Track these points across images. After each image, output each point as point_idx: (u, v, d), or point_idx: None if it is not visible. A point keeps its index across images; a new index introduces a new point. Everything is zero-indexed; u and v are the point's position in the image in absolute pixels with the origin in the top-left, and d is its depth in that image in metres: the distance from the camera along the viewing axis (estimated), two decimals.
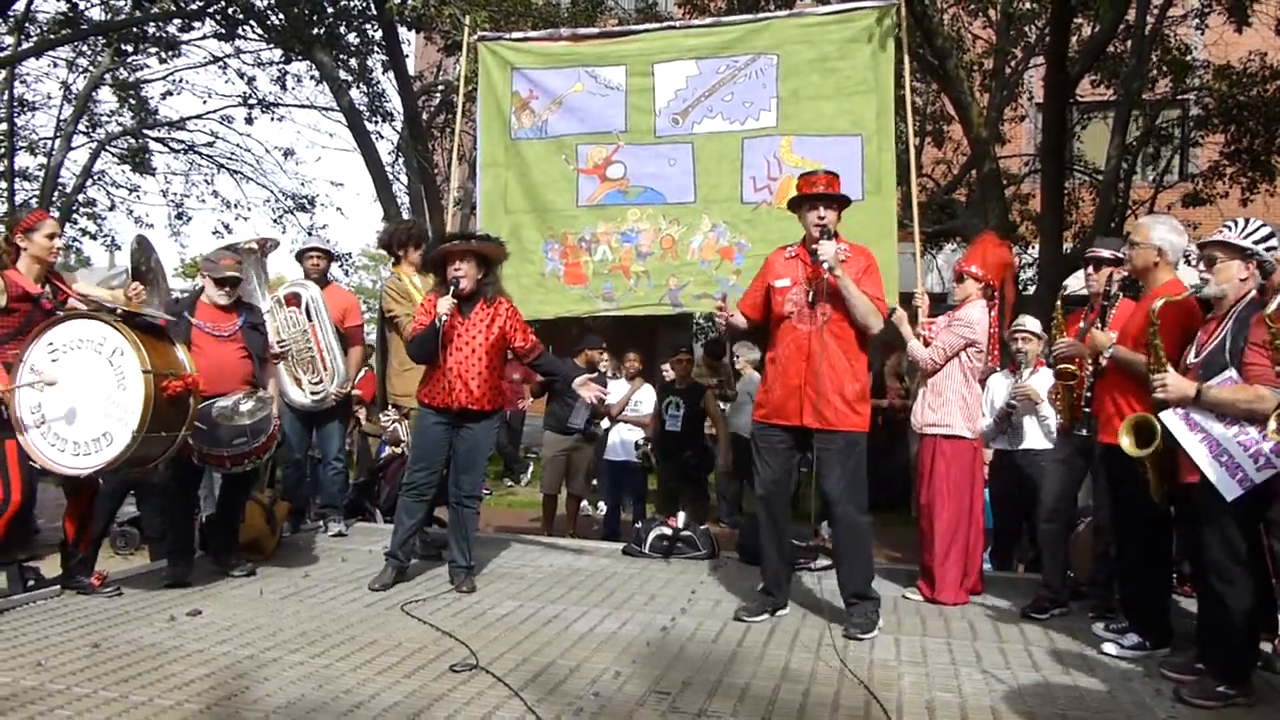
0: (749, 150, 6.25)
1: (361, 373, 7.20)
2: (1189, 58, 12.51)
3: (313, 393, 6.18)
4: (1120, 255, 4.79)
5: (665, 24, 7.30)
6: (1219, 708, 3.47)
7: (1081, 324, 4.81)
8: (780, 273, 4.58)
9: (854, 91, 6.10)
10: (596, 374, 7.99)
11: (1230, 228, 3.77)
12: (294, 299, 6.21)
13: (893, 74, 6.16)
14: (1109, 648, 4.16)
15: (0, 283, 4.44)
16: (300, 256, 6.63)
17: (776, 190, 6.20)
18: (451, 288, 4.91)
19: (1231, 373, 3.55)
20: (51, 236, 4.61)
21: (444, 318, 4.87)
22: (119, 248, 18.48)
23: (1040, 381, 5.61)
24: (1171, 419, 3.64)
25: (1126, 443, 3.78)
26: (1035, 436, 5.54)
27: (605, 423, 7.94)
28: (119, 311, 4.55)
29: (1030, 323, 5.75)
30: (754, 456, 4.67)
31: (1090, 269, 4.87)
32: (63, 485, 4.88)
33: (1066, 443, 4.88)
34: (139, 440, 4.32)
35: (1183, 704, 3.50)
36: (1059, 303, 5.03)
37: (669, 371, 8.63)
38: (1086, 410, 4.54)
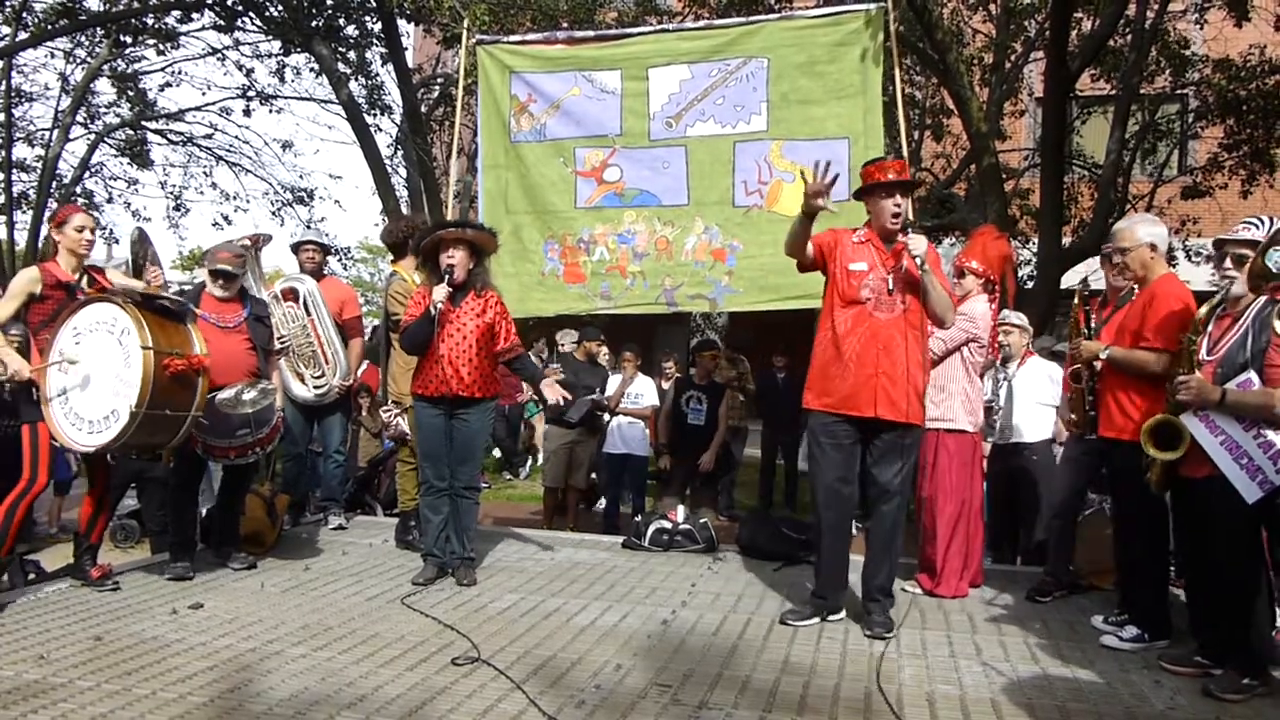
0: (740, 154, 6.36)
1: (364, 365, 7.20)
2: (1188, 52, 12.51)
3: (315, 387, 6.20)
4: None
5: (659, 27, 7.39)
6: (1246, 700, 3.50)
7: (1094, 318, 4.76)
8: (853, 256, 4.40)
9: (842, 95, 6.20)
10: (597, 368, 8.03)
11: (1256, 226, 3.73)
12: (291, 294, 6.22)
13: (880, 75, 6.24)
14: (1108, 640, 4.18)
15: (36, 272, 4.73)
16: (296, 249, 6.64)
17: (767, 194, 6.33)
18: (446, 276, 4.93)
19: (1251, 373, 3.54)
20: (81, 229, 4.82)
21: (439, 306, 4.90)
22: (117, 240, 18.44)
23: (1029, 372, 5.66)
24: (1192, 421, 3.65)
25: (1153, 452, 3.76)
26: (1026, 430, 5.57)
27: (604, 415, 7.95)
28: (139, 294, 4.65)
29: (1013, 315, 5.75)
30: (814, 451, 4.51)
31: (1105, 263, 4.86)
32: (85, 473, 5.05)
33: (1078, 442, 4.85)
34: (139, 418, 4.36)
35: (1213, 699, 3.52)
36: (1076, 300, 4.83)
37: (670, 366, 8.63)
38: (1091, 413, 4.54)
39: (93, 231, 4.91)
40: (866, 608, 4.36)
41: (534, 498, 9.92)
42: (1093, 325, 4.72)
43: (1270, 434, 3.45)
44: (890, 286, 4.28)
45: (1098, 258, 5.03)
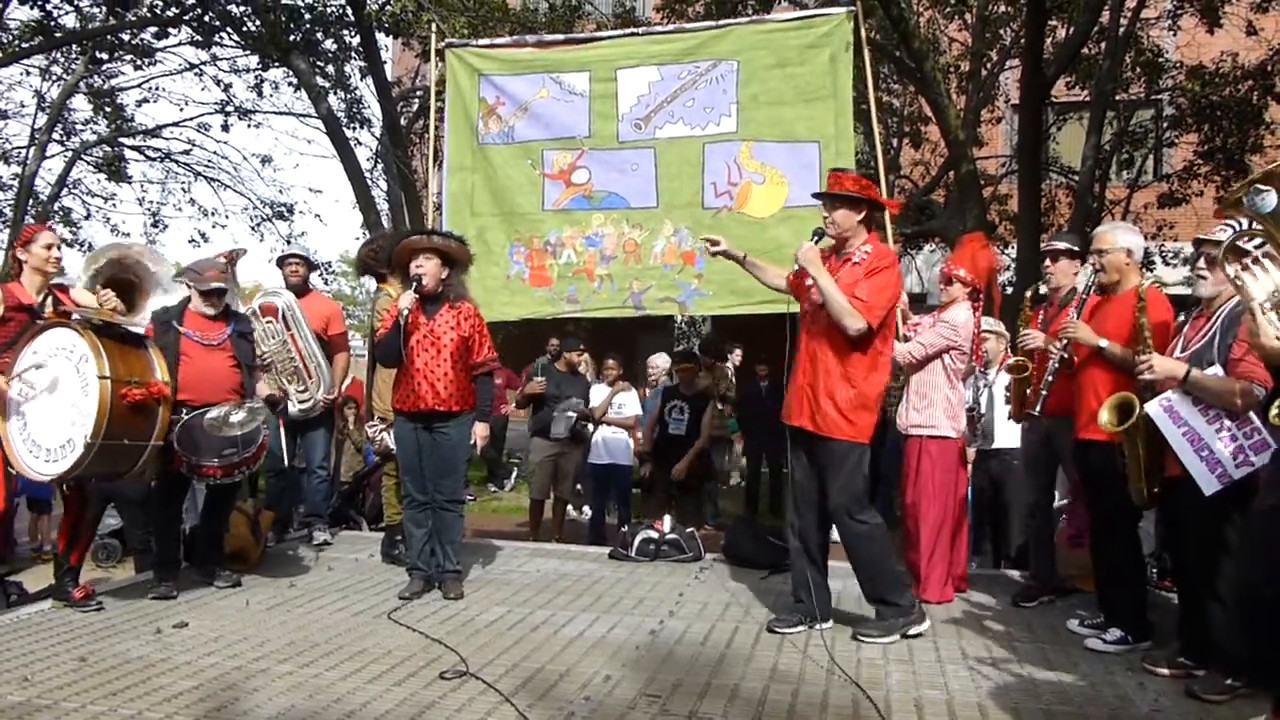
0: (710, 156, 6.34)
1: (349, 379, 7.16)
2: (1161, 59, 12.67)
3: (300, 402, 6.15)
4: (1075, 248, 4.94)
5: (628, 30, 7.36)
6: (1229, 700, 3.52)
7: (1040, 317, 4.90)
8: None
9: (813, 97, 6.20)
10: (578, 378, 8.03)
11: (1233, 228, 3.77)
12: (270, 309, 6.17)
13: (851, 79, 6.26)
14: (1092, 643, 4.21)
15: None
16: (280, 264, 6.62)
17: (736, 195, 6.32)
18: (414, 284, 4.92)
19: (1217, 369, 3.59)
20: (49, 247, 4.73)
21: (405, 313, 4.89)
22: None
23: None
24: (1155, 410, 3.67)
25: (1105, 417, 3.80)
26: (1006, 436, 5.61)
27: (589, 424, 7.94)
28: (95, 320, 4.57)
29: (989, 322, 5.82)
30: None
31: (1048, 262, 5.02)
32: (61, 497, 4.98)
33: (1030, 437, 4.94)
34: (94, 448, 4.33)
35: (1197, 700, 3.53)
36: (1026, 296, 5.13)
37: (655, 374, 8.63)
38: (1044, 393, 4.59)
39: (60, 249, 4.84)
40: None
41: (519, 510, 9.90)
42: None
43: (1232, 427, 3.49)
44: (823, 301, 4.27)
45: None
